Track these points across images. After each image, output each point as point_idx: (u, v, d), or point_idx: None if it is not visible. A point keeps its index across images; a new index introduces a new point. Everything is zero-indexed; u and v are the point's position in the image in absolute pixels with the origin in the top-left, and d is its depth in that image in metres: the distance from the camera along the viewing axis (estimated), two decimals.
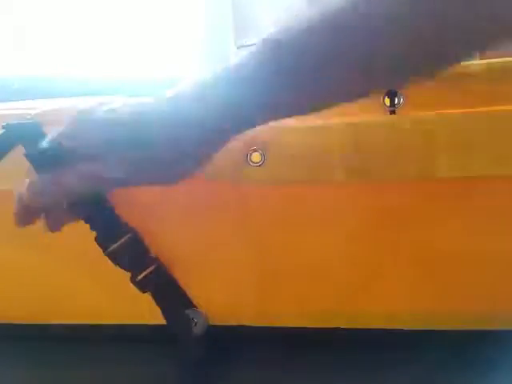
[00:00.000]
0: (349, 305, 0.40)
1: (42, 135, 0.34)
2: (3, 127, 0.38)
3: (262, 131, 0.35)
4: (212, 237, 0.40)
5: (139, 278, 0.38)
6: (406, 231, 0.38)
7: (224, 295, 0.41)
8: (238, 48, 1.95)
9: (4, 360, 0.43)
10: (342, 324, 0.40)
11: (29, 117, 0.40)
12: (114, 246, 0.37)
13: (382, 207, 0.38)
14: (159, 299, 0.38)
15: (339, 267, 0.39)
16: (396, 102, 0.36)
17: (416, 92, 0.36)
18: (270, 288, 0.40)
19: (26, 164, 0.33)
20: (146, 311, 0.41)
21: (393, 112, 0.36)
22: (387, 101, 0.36)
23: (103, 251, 0.37)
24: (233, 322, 0.41)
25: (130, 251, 0.38)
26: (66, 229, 0.35)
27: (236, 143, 0.36)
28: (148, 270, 0.38)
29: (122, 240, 0.37)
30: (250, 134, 0.35)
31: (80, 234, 0.35)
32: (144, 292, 0.38)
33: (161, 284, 0.39)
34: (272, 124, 0.34)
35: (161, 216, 0.40)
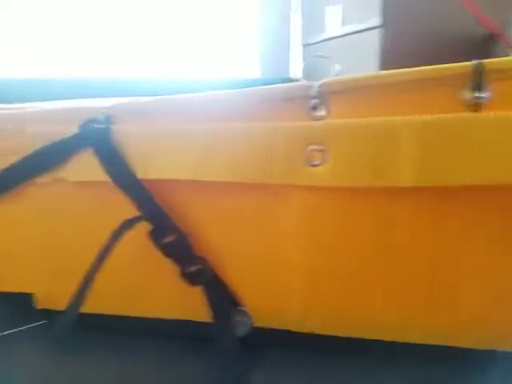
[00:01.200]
0: (419, 318, 0.37)
1: (113, 142, 0.37)
2: (79, 127, 0.40)
3: (322, 126, 0.34)
4: (264, 239, 0.39)
5: (188, 271, 0.39)
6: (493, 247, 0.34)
7: (271, 298, 0.40)
8: (304, 47, 1.95)
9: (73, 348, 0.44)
10: (405, 337, 0.38)
11: (103, 110, 0.41)
12: (165, 241, 0.39)
13: (456, 217, 0.35)
14: (207, 296, 0.38)
15: (401, 278, 0.36)
16: (479, 95, 0.32)
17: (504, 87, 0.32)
18: (319, 295, 0.38)
19: None
20: (191, 308, 0.41)
21: (477, 108, 0.32)
22: (469, 94, 0.32)
23: (154, 244, 0.39)
24: (277, 326, 0.40)
25: (177, 247, 0.39)
26: None
27: (292, 140, 0.35)
28: (196, 266, 0.39)
29: (172, 236, 0.39)
30: (308, 130, 0.34)
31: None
32: (193, 285, 0.39)
33: (209, 281, 0.39)
34: (335, 119, 0.33)
35: (212, 216, 0.40)
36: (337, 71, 0.37)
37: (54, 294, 0.47)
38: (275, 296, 0.40)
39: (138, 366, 0.40)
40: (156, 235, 0.39)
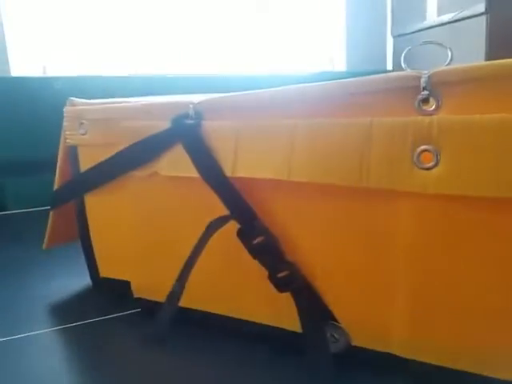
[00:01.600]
0: None
1: (202, 138, 0.37)
2: (171, 122, 0.40)
3: (434, 123, 0.29)
4: (363, 249, 0.34)
5: (276, 276, 0.37)
6: None
7: (373, 316, 0.35)
8: (394, 38, 1.85)
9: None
10: None
11: (191, 105, 0.40)
12: (254, 241, 0.37)
13: None
14: (296, 305, 0.36)
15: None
16: None
17: None
18: (425, 317, 0.33)
19: None
20: (285, 315, 0.39)
21: None
22: None
23: (243, 244, 0.38)
24: (377, 348, 0.35)
25: (267, 250, 0.37)
26: None
27: (400, 138, 0.30)
28: (286, 272, 0.37)
29: (261, 237, 0.37)
30: (418, 126, 0.30)
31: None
32: (281, 292, 0.37)
33: (298, 289, 0.36)
34: (449, 115, 0.29)
35: (304, 220, 0.36)
36: (449, 59, 0.32)
37: (148, 283, 0.48)
38: (376, 313, 0.35)
39: (217, 367, 0.39)
40: (244, 235, 0.38)
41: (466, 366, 0.32)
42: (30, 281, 0.60)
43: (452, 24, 1.51)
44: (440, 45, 0.36)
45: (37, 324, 0.48)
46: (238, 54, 1.63)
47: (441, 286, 0.32)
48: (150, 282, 0.47)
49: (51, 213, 0.56)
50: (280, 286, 0.37)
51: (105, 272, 0.54)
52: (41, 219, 0.60)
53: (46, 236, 0.57)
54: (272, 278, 0.37)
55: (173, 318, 0.40)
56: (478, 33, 1.42)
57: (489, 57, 1.38)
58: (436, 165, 0.29)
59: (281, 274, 0.36)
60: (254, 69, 1.62)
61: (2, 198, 1.06)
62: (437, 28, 1.56)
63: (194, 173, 0.40)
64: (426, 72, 0.31)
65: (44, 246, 0.58)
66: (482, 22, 1.43)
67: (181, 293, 0.40)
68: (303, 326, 0.35)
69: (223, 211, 0.38)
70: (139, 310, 0.49)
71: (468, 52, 1.43)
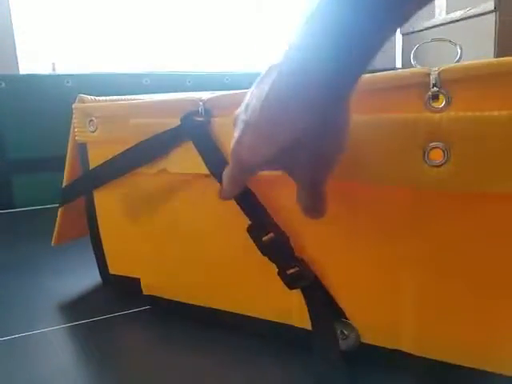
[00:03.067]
0: None
1: (212, 136, 0.37)
2: (180, 120, 0.40)
3: (444, 120, 0.29)
4: (376, 248, 0.34)
5: (286, 272, 0.37)
6: None
7: (382, 313, 0.35)
8: (403, 35, 1.83)
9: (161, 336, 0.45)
10: None
11: (200, 103, 0.40)
12: (264, 238, 0.37)
13: None
14: (306, 302, 0.36)
15: None
16: None
17: None
18: (434, 314, 0.33)
19: None
20: (294, 312, 0.39)
21: None
22: None
23: (253, 240, 0.38)
24: (387, 345, 0.35)
25: (277, 246, 0.37)
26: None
27: (410, 135, 0.30)
28: (295, 269, 0.37)
29: (271, 234, 0.37)
30: (428, 123, 0.30)
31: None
32: (291, 289, 0.37)
33: (308, 286, 0.36)
34: (459, 112, 0.28)
35: (318, 222, 0.36)
36: (458, 56, 0.32)
37: (158, 281, 0.48)
38: (386, 310, 0.35)
39: (224, 364, 0.39)
40: (254, 231, 0.38)
41: (475, 363, 0.32)
42: (39, 278, 0.61)
43: (461, 21, 1.50)
44: (449, 42, 0.36)
45: (47, 321, 0.48)
46: (245, 51, 1.63)
47: (451, 283, 0.32)
48: (160, 280, 0.48)
49: (60, 209, 0.56)
50: (290, 282, 0.37)
51: (114, 269, 0.55)
52: (51, 217, 0.60)
53: (55, 232, 0.58)
54: (282, 274, 0.37)
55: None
56: (487, 30, 1.41)
57: (498, 54, 1.37)
58: (446, 162, 0.29)
59: (290, 271, 0.36)
60: (260, 66, 1.62)
61: (11, 195, 1.07)
62: (446, 25, 1.55)
63: (203, 170, 0.40)
64: (435, 69, 0.31)
65: (53, 242, 0.58)
66: (491, 20, 1.41)
67: None
68: (313, 323, 0.35)
69: (233, 208, 0.38)
70: (149, 307, 0.49)
71: (477, 49, 1.43)
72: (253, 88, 0.29)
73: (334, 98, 0.26)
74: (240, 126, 0.29)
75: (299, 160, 0.29)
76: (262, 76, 0.28)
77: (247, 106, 0.28)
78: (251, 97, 0.28)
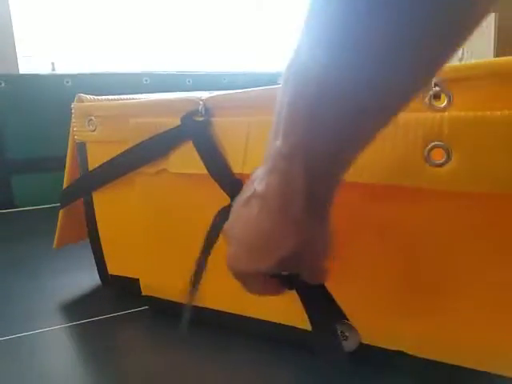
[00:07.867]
0: None
1: (211, 136, 0.37)
2: (180, 119, 0.40)
3: (446, 120, 0.29)
4: (376, 248, 0.34)
5: (283, 273, 0.36)
6: None
7: (383, 314, 0.35)
8: None
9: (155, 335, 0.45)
10: None
11: (201, 102, 0.40)
12: None
13: None
14: (306, 303, 0.35)
15: None
16: None
17: None
18: (436, 317, 0.33)
19: None
20: (296, 313, 0.38)
21: None
22: None
23: None
24: (388, 346, 0.35)
25: None
26: None
27: (411, 134, 0.30)
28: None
29: None
30: (429, 123, 0.30)
31: None
32: (289, 289, 0.36)
33: (303, 286, 0.36)
34: (461, 112, 0.28)
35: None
36: (460, 55, 0.32)
37: (156, 281, 0.48)
38: (387, 311, 0.35)
39: (232, 366, 0.39)
40: None
41: (476, 364, 0.32)
42: (39, 278, 0.61)
43: None
44: None
45: (46, 321, 0.48)
46: (245, 51, 1.63)
47: (453, 284, 0.32)
48: (159, 280, 0.47)
49: (60, 212, 0.56)
50: (283, 282, 0.36)
51: (113, 269, 0.54)
52: (51, 216, 0.60)
53: (56, 236, 0.58)
54: (279, 275, 0.36)
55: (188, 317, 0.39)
56: (486, 30, 1.41)
57: (498, 53, 1.38)
58: (447, 161, 0.29)
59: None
60: (261, 67, 1.62)
61: (11, 195, 1.07)
62: None
63: (203, 170, 0.40)
64: None
65: (54, 245, 0.58)
66: (490, 20, 1.42)
67: (196, 290, 0.40)
68: (313, 324, 0.35)
69: None
70: (147, 307, 0.49)
71: (477, 49, 1.43)
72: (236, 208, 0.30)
73: (314, 212, 0.27)
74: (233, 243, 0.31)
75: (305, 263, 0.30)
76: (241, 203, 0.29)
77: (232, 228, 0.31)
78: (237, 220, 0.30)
